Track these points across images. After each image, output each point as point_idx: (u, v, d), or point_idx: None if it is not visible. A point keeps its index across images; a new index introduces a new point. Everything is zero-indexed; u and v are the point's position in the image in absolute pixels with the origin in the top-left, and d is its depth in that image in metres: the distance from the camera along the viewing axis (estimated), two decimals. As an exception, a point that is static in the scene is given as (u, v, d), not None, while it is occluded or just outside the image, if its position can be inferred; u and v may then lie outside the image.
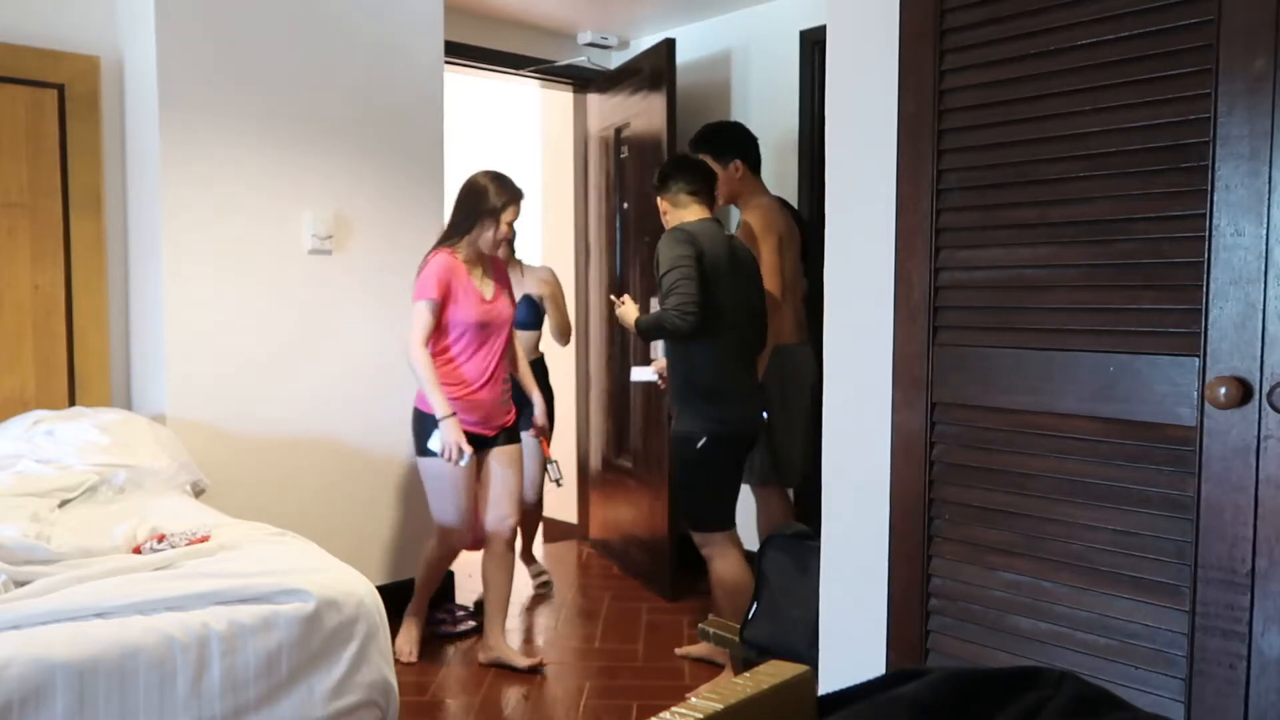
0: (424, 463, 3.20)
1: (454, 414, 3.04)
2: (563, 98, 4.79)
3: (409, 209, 3.64)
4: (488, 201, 3.09)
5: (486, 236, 3.11)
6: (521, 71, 4.43)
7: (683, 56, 4.44)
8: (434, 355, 3.09)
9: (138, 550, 2.20)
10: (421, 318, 3.04)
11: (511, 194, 3.12)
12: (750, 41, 4.16)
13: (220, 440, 3.24)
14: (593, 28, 4.45)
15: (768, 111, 4.09)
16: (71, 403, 3.19)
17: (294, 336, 3.40)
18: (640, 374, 3.54)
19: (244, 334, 3.29)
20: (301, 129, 3.38)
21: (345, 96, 3.48)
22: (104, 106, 3.24)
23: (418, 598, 3.42)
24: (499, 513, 3.27)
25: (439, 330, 3.09)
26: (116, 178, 3.30)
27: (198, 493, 2.91)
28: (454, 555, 3.41)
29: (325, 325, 3.47)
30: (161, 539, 2.23)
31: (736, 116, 4.20)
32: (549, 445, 3.62)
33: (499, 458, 3.26)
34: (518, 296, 3.73)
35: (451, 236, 3.14)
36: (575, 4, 4.13)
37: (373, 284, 3.57)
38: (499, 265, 3.29)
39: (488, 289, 3.16)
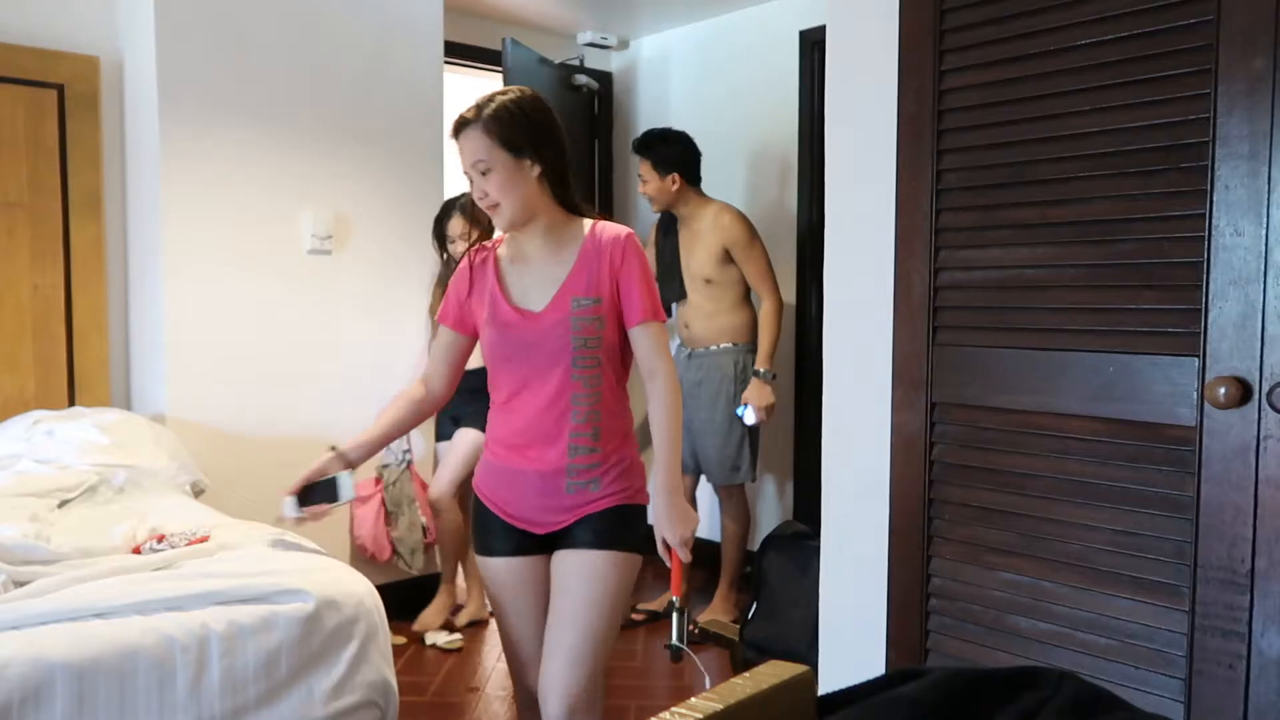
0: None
1: (332, 449, 2.01)
2: (562, 98, 4.79)
3: (409, 209, 3.64)
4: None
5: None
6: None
7: (682, 56, 4.44)
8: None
9: (137, 550, 2.20)
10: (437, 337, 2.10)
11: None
12: (749, 42, 4.16)
13: (220, 440, 3.23)
14: (593, 28, 4.45)
15: (767, 112, 4.09)
16: (71, 403, 3.19)
17: (294, 336, 3.40)
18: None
19: (244, 334, 3.28)
20: (301, 129, 3.38)
21: (345, 96, 3.47)
22: (104, 106, 3.24)
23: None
24: (549, 681, 1.90)
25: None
26: (116, 178, 3.30)
27: (197, 493, 2.91)
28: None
29: (325, 325, 3.47)
30: (161, 539, 2.23)
31: (735, 116, 4.20)
32: (681, 577, 1.90)
33: (562, 573, 1.91)
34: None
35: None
36: (575, 4, 4.13)
37: (373, 284, 3.57)
38: (592, 254, 1.91)
39: (539, 294, 1.92)
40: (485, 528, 1.99)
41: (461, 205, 3.38)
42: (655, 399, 1.93)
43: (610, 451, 1.92)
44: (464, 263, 2.04)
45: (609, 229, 1.95)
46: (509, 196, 1.87)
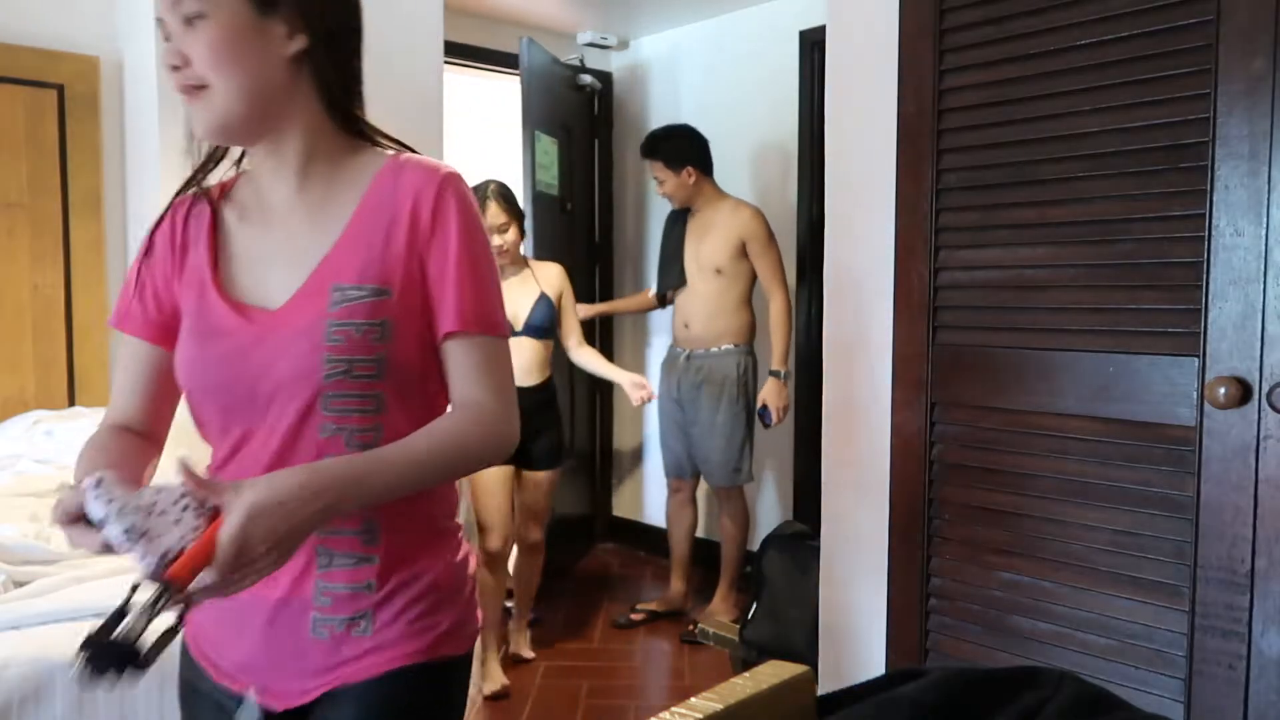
0: None
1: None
2: (562, 98, 4.79)
3: (409, 209, 3.63)
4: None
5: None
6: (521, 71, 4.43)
7: (682, 56, 4.44)
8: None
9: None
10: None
11: None
12: (749, 42, 4.16)
13: (220, 440, 3.23)
14: (593, 28, 4.45)
15: (767, 112, 4.09)
16: (71, 403, 3.19)
17: (294, 336, 3.40)
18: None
19: (244, 334, 3.28)
20: (301, 129, 3.37)
21: (345, 96, 3.47)
22: (104, 106, 3.24)
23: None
24: None
25: None
26: (116, 178, 3.30)
27: (198, 493, 2.91)
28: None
29: (325, 325, 3.46)
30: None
31: (736, 115, 4.20)
32: (193, 561, 0.98)
33: None
34: (529, 299, 3.12)
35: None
36: (575, 4, 4.13)
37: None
38: (381, 209, 1.10)
39: (281, 278, 1.10)
40: (185, 690, 1.17)
41: (495, 192, 3.07)
42: (445, 419, 1.08)
43: (400, 562, 1.09)
44: (165, 222, 1.20)
45: (417, 166, 1.10)
46: (227, 72, 1.05)
